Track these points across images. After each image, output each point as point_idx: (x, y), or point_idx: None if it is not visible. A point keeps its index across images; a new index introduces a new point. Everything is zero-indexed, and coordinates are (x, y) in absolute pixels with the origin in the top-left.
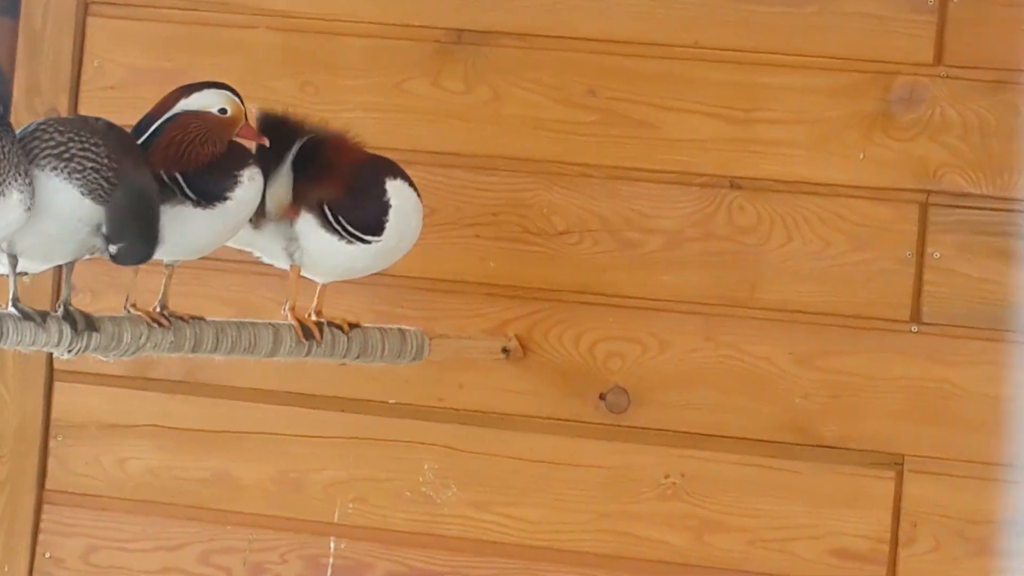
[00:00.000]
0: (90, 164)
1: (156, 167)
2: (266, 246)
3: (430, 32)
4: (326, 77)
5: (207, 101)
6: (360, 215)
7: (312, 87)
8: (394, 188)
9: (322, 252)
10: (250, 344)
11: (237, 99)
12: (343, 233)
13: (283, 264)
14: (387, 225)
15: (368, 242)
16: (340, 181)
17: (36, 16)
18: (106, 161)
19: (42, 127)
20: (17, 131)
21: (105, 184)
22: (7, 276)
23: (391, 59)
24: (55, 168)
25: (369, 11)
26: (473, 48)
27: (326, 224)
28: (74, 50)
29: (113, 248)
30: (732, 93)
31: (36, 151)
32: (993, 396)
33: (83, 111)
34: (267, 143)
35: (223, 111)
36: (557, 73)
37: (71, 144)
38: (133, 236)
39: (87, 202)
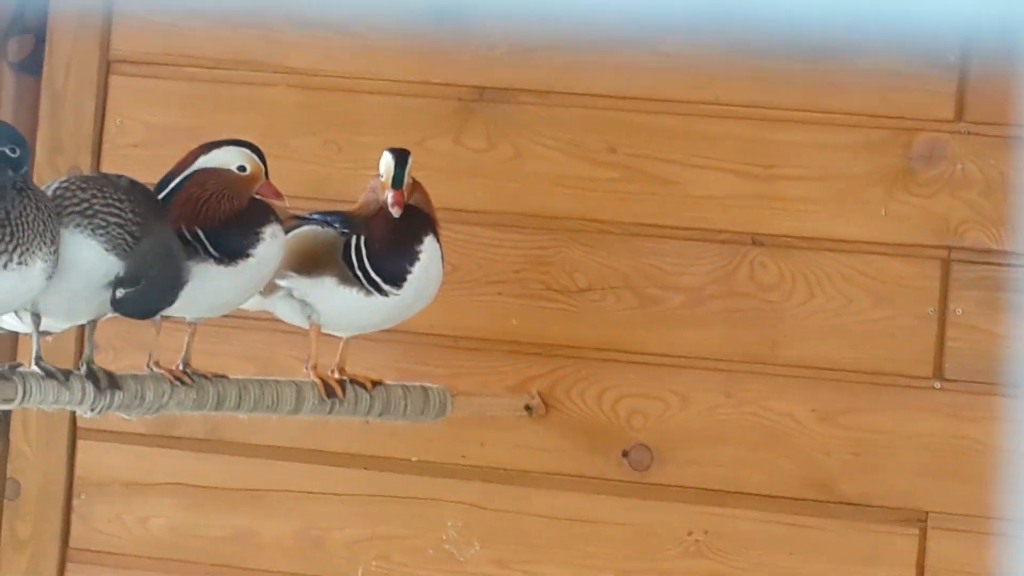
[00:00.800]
0: (113, 220)
1: (176, 223)
2: (279, 309)
3: (451, 90)
4: (348, 135)
5: (226, 159)
6: (387, 264)
7: (334, 145)
8: (427, 245)
9: (337, 309)
10: (273, 402)
11: (256, 157)
12: (364, 281)
13: (303, 324)
14: (408, 279)
15: (386, 294)
16: (382, 223)
17: (58, 74)
18: (130, 216)
19: (64, 185)
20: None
21: (129, 239)
22: (30, 335)
23: (413, 117)
24: (79, 225)
25: (390, 69)
26: (494, 106)
27: (346, 275)
28: (96, 108)
29: (120, 292)
30: (753, 150)
31: (59, 209)
32: (1017, 452)
33: (105, 169)
34: (285, 201)
35: (242, 168)
36: (578, 130)
37: (94, 201)
38: (147, 286)
39: (111, 258)
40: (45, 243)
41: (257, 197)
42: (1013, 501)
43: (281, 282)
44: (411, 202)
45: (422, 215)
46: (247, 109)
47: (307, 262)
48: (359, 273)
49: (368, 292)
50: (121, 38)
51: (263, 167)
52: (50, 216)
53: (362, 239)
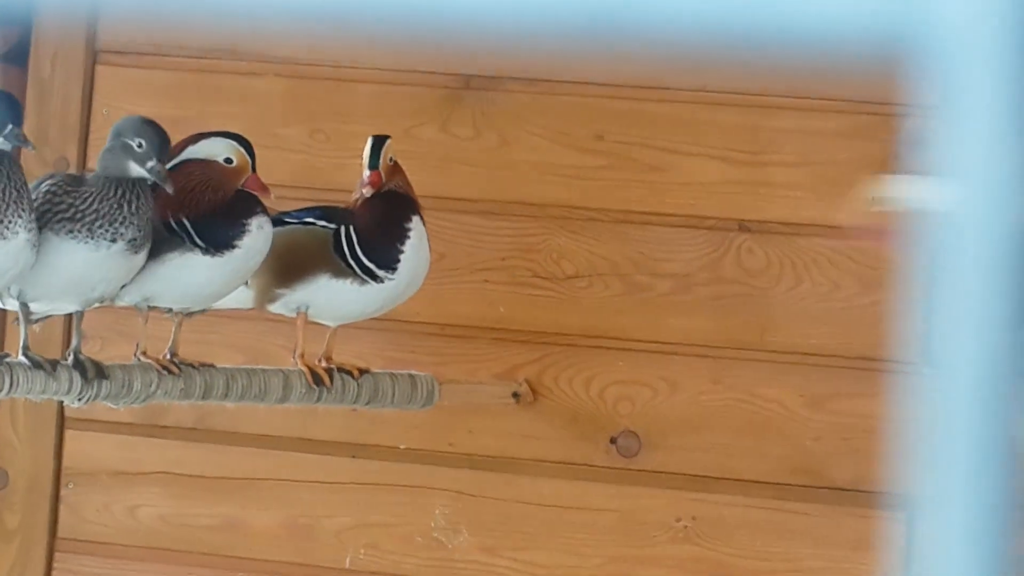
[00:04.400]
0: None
1: (161, 213)
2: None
3: (438, 78)
4: (335, 124)
5: (213, 150)
6: (379, 249)
7: (322, 134)
8: (415, 225)
9: (332, 303)
10: (260, 391)
11: (243, 150)
12: (357, 270)
13: (291, 314)
14: (401, 261)
15: (381, 280)
16: (366, 210)
17: (44, 65)
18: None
19: (52, 190)
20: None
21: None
22: (18, 324)
23: (400, 105)
24: (70, 232)
25: (377, 58)
26: (481, 93)
27: (339, 268)
28: (83, 98)
29: None
30: (740, 136)
31: (49, 215)
32: (910, 427)
33: (92, 159)
34: (271, 196)
35: (228, 160)
36: (565, 118)
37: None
38: None
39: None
40: (23, 211)
41: (243, 189)
42: (916, 476)
43: (273, 305)
44: (392, 186)
45: (406, 198)
46: (234, 99)
47: (297, 270)
48: (352, 263)
49: (363, 281)
50: (107, 28)
51: (249, 160)
52: (24, 184)
53: (351, 228)
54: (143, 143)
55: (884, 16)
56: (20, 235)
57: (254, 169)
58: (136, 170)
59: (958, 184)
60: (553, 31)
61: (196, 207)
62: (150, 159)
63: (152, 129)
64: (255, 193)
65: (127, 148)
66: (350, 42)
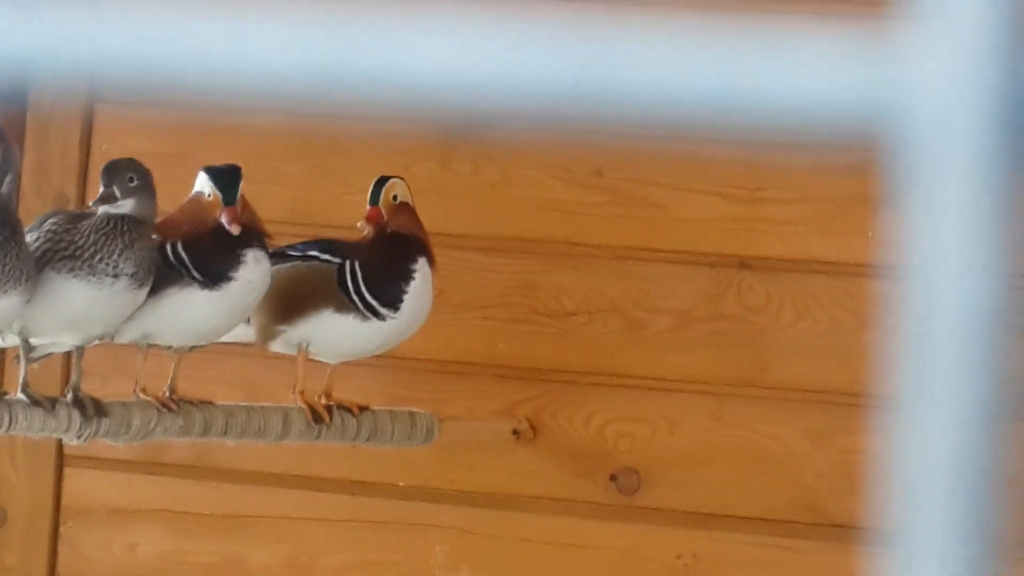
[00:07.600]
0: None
1: (158, 240)
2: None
3: (437, 114)
4: (334, 160)
5: (200, 184)
6: (383, 287)
7: (320, 169)
8: (420, 266)
9: (334, 339)
10: (260, 428)
11: (213, 183)
12: (360, 306)
13: (293, 351)
14: (404, 301)
15: (383, 318)
16: (375, 247)
17: (44, 102)
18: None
19: (52, 229)
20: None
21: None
22: (17, 362)
23: (399, 141)
24: (71, 270)
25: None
26: (480, 130)
27: (341, 303)
28: (82, 135)
29: None
30: (739, 172)
31: (50, 254)
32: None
33: (92, 196)
34: (237, 231)
35: (210, 195)
36: (564, 154)
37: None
38: None
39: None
40: (22, 280)
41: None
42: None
43: (274, 343)
44: (395, 227)
45: (414, 239)
46: (233, 134)
47: (299, 305)
48: (355, 298)
49: (365, 318)
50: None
51: (218, 193)
52: (23, 242)
53: (356, 263)
54: None
55: (858, 97)
56: (13, 298)
57: (231, 200)
58: None
59: (930, 247)
60: (541, 99)
61: (177, 234)
62: None
63: None
64: (228, 224)
65: None
66: (343, 99)
